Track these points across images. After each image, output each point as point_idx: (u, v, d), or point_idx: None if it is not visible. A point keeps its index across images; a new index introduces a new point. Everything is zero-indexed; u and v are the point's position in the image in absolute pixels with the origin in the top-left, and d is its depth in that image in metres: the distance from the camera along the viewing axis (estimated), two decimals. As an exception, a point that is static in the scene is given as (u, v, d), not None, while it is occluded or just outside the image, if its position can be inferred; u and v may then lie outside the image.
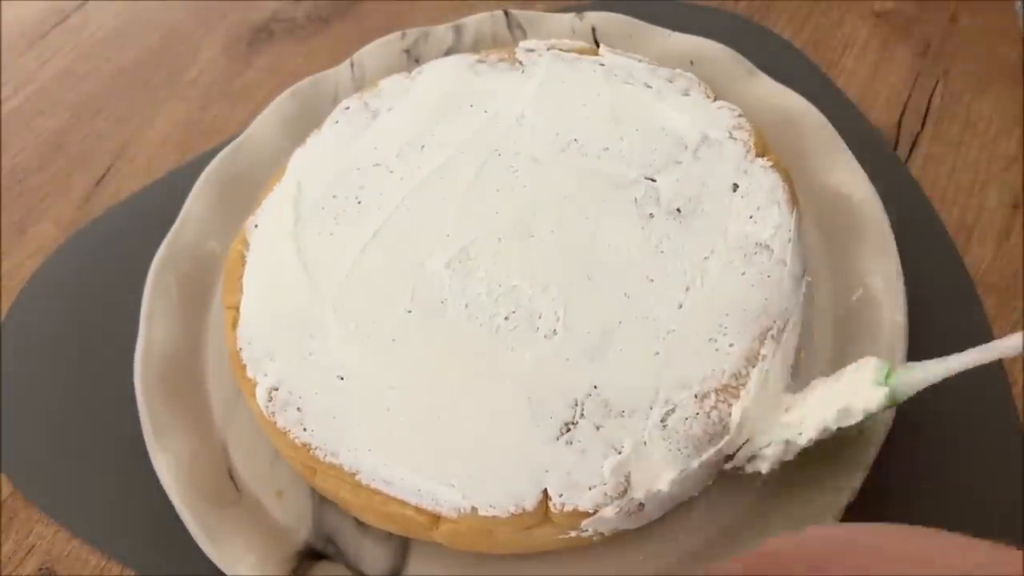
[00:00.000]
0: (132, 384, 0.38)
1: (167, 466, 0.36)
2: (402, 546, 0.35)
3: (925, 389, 0.31)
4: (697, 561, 0.33)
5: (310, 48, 0.49)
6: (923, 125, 0.47)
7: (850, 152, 0.40)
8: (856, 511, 0.34)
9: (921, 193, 0.43)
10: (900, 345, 0.35)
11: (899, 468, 0.35)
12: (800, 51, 0.50)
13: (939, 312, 0.39)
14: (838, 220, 0.39)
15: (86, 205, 0.50)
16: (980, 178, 0.44)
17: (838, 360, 0.36)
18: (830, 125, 0.41)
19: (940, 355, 0.38)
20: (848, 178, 0.40)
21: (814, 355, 0.37)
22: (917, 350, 0.37)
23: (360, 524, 0.35)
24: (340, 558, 0.35)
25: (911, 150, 0.46)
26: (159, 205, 0.46)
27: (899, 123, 0.47)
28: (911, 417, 0.36)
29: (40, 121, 0.53)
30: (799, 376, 0.35)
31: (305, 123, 0.45)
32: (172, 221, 0.43)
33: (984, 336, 0.39)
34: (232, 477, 0.37)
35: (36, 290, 0.46)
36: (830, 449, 0.32)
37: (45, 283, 0.46)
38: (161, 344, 0.39)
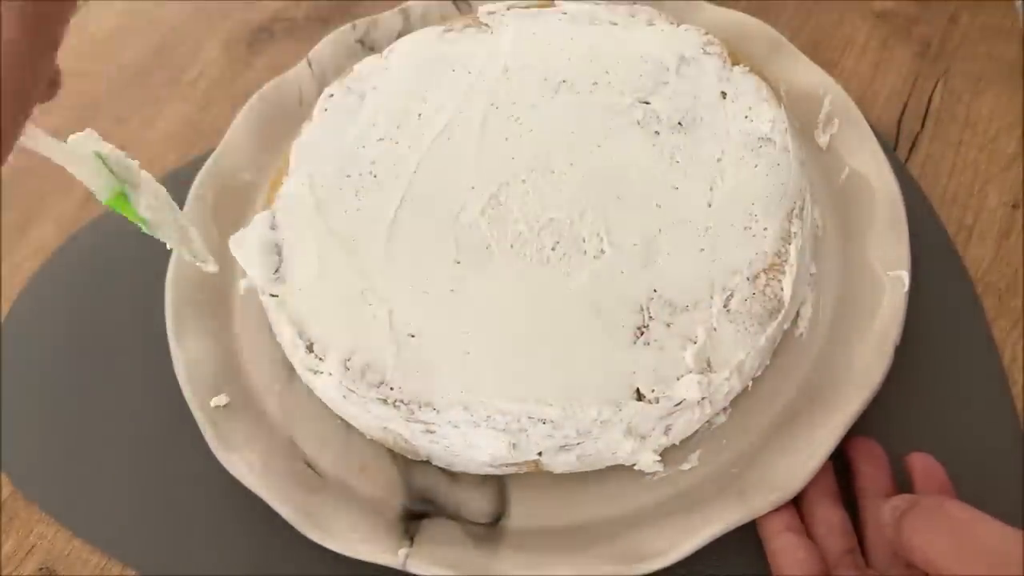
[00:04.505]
0: (132, 384, 0.38)
1: (247, 470, 0.36)
2: (498, 489, 0.36)
3: (926, 400, 0.35)
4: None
5: (310, 48, 0.49)
6: (923, 125, 0.46)
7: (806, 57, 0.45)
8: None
9: (921, 193, 0.43)
10: (898, 205, 0.39)
11: (899, 469, 0.35)
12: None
13: (939, 312, 0.39)
14: (812, 114, 0.44)
15: (86, 205, 0.49)
16: (980, 178, 0.44)
17: (845, 228, 0.40)
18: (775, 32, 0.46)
19: (939, 354, 0.39)
20: (817, 79, 0.44)
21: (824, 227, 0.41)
22: (917, 350, 0.38)
23: (451, 476, 0.37)
24: (441, 513, 0.36)
25: (911, 150, 0.46)
26: (159, 205, 0.46)
27: (899, 123, 0.47)
28: (911, 417, 0.37)
29: (40, 121, 0.53)
30: (823, 245, 0.40)
31: (277, 125, 0.46)
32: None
33: (984, 336, 0.39)
34: (310, 466, 0.37)
35: (36, 290, 0.46)
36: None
37: (45, 283, 0.46)
38: (199, 357, 0.40)
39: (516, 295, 0.35)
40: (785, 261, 0.35)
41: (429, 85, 0.42)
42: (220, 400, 0.38)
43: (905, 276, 0.37)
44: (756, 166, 0.38)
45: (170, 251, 0.42)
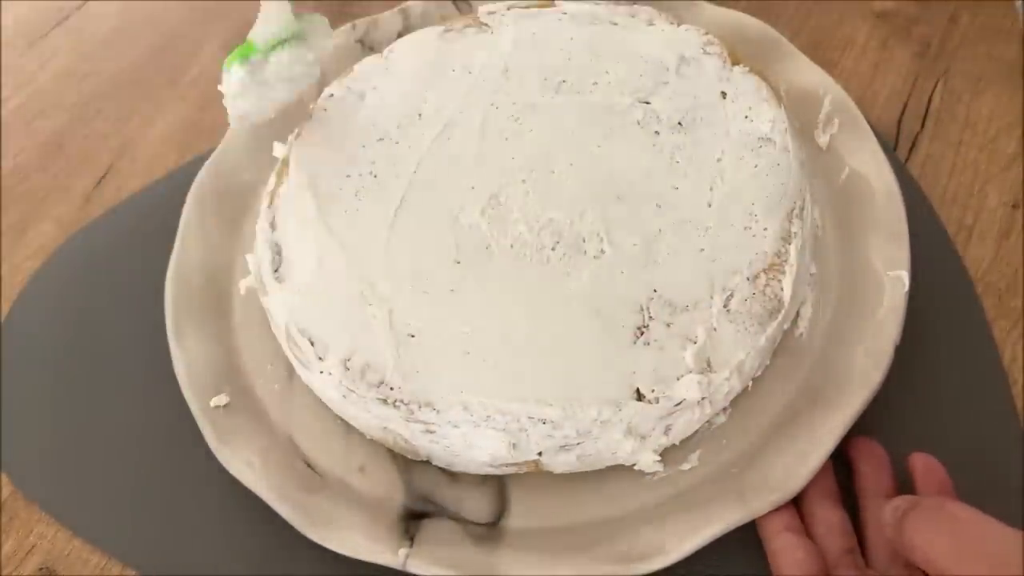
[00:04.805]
0: (132, 384, 0.38)
1: (247, 470, 0.36)
2: (498, 489, 0.36)
3: (926, 400, 0.35)
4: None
5: (310, 48, 0.49)
6: (923, 125, 0.47)
7: (805, 57, 0.45)
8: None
9: (921, 193, 0.43)
10: (898, 205, 0.39)
11: (899, 469, 0.35)
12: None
13: (939, 312, 0.39)
14: (812, 114, 0.44)
15: (86, 205, 0.49)
16: (980, 178, 0.44)
17: (845, 228, 0.40)
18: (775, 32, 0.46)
19: (939, 354, 0.39)
20: (817, 79, 0.44)
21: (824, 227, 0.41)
22: (917, 349, 0.38)
23: (451, 476, 0.37)
24: (442, 513, 0.36)
25: (911, 150, 0.46)
26: (159, 205, 0.46)
27: (899, 123, 0.47)
28: (911, 417, 0.37)
29: (40, 121, 0.53)
30: (823, 245, 0.40)
31: (277, 125, 0.45)
32: (172, 221, 0.43)
33: (984, 336, 0.39)
34: (310, 466, 0.37)
35: (36, 290, 0.46)
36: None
37: (45, 283, 0.46)
38: (199, 357, 0.40)
39: (516, 295, 0.35)
40: (785, 261, 0.35)
41: (429, 85, 0.42)
42: (220, 400, 0.38)
43: (905, 276, 0.37)
44: (756, 166, 0.38)
45: (170, 251, 0.43)
